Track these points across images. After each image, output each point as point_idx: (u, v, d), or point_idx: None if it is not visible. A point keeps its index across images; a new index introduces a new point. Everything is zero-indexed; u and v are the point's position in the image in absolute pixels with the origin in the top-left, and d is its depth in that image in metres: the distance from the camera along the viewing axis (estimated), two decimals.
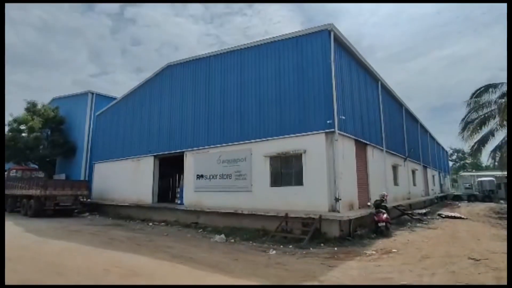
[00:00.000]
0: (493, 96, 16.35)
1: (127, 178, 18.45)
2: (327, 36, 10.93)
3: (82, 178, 22.26)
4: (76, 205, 18.19)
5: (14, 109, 38.84)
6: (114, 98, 22.61)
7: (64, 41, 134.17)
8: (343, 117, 11.04)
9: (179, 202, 15.39)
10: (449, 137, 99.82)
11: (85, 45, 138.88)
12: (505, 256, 7.24)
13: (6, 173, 20.59)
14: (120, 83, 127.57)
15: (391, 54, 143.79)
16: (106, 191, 20.02)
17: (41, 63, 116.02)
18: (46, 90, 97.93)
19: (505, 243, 8.82)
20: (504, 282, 5.36)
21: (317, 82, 10.97)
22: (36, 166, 24.46)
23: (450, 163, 59.23)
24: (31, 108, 23.76)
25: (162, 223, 14.22)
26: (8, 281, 5.11)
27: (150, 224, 14.35)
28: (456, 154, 63.61)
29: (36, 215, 16.64)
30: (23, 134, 23.35)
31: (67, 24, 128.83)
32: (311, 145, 10.77)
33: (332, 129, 10.35)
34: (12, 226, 13.16)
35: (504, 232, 11.16)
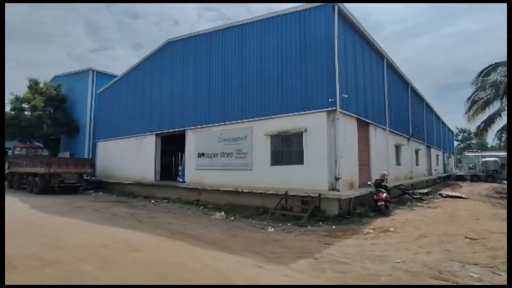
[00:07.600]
0: (500, 75, 15.79)
1: (130, 156, 18.59)
2: (331, 11, 10.49)
3: (86, 156, 22.53)
4: (80, 183, 18.58)
5: (13, 86, 38.79)
6: (115, 76, 22.38)
7: (58, 13, 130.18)
8: (346, 96, 10.79)
9: (181, 180, 15.52)
10: (457, 116, 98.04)
11: (80, 17, 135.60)
12: (503, 236, 7.23)
13: (10, 150, 20.87)
14: (120, 59, 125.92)
15: (400, 30, 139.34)
16: (110, 169, 20.26)
17: (36, 37, 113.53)
18: (44, 65, 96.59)
19: (504, 223, 8.81)
20: (499, 261, 5.37)
21: (319, 58, 10.65)
22: (41, 145, 24.70)
23: (456, 143, 58.59)
24: (33, 86, 23.64)
25: (165, 200, 14.44)
26: (8, 255, 5.24)
27: (153, 201, 14.58)
28: (462, 134, 62.71)
29: (42, 192, 17.02)
30: (26, 112, 23.38)
31: None
32: (312, 124, 10.63)
33: (334, 108, 10.16)
34: (18, 202, 13.46)
35: (504, 212, 11.13)
